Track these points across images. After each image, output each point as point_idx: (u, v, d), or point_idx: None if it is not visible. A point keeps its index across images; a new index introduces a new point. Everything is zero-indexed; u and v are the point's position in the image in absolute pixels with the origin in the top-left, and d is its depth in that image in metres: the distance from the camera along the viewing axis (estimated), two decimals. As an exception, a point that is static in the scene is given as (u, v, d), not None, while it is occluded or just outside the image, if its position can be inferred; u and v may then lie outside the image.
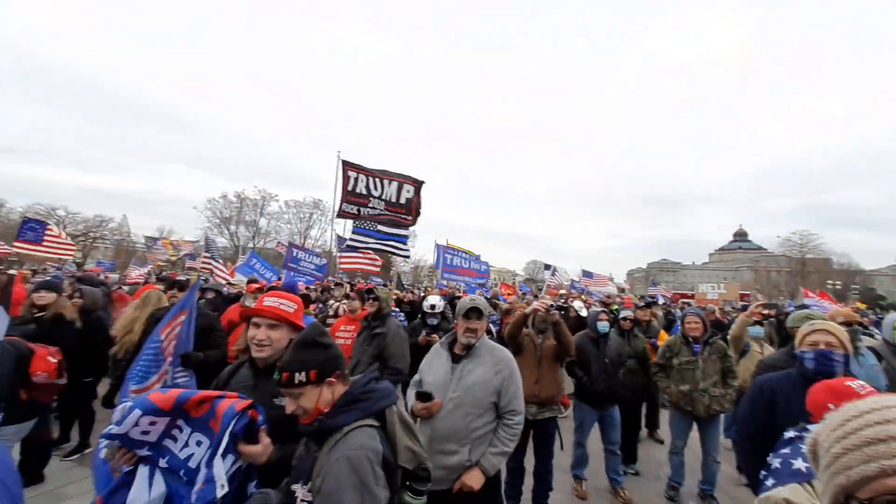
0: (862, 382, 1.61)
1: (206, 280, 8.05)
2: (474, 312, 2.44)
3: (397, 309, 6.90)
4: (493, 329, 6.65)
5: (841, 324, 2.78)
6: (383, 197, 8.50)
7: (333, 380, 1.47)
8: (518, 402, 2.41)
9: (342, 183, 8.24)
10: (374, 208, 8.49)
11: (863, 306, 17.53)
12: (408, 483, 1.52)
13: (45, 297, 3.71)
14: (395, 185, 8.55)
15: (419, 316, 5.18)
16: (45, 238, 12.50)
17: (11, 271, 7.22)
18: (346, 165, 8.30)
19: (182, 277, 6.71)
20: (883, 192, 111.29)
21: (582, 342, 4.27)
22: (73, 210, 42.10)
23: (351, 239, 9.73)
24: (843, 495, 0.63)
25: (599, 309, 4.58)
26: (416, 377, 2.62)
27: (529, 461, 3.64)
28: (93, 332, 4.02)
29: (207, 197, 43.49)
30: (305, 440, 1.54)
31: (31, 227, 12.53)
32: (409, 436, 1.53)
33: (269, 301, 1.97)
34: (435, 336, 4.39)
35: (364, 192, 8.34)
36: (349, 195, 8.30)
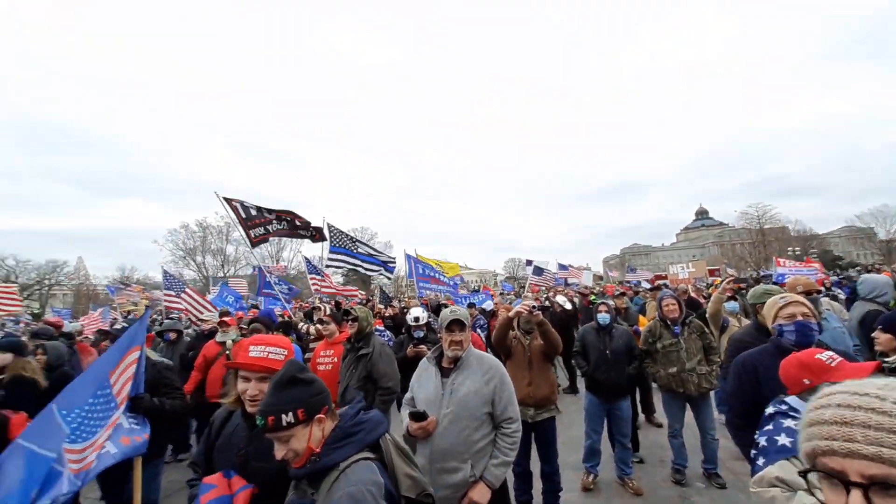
0: (831, 353, 1.66)
1: (178, 318, 7.63)
2: (456, 324, 2.40)
3: (381, 327, 6.78)
4: (482, 334, 6.62)
5: (800, 293, 2.85)
6: (279, 211, 8.37)
7: (322, 416, 1.41)
8: (513, 408, 2.38)
9: (234, 215, 7.97)
10: (279, 220, 8.37)
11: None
12: None
13: (2, 358, 3.39)
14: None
15: (404, 330, 5.09)
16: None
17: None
18: (227, 199, 8.02)
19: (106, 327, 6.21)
20: (812, 157, 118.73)
21: (586, 332, 4.44)
22: (24, 258, 39.90)
23: (330, 259, 9.58)
24: (809, 465, 0.72)
25: (600, 301, 4.65)
26: (408, 395, 2.55)
27: (535, 463, 3.60)
28: (61, 390, 3.72)
29: (168, 228, 41.68)
30: (295, 484, 1.46)
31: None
32: (407, 463, 1.48)
33: (255, 351, 1.79)
34: (423, 347, 4.29)
35: (256, 213, 8.15)
36: (249, 221, 8.07)
